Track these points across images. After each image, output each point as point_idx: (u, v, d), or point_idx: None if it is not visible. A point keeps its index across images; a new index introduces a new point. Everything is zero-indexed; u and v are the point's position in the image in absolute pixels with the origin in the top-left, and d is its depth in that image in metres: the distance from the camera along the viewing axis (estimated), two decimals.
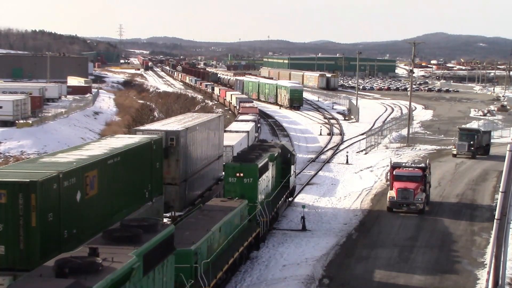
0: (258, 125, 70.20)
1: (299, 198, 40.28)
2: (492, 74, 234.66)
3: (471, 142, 55.21)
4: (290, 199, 38.67)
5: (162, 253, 17.13)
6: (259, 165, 30.19)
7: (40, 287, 12.82)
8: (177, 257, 18.76)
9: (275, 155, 34.11)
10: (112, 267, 14.01)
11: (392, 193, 36.25)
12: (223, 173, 37.87)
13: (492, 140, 70.29)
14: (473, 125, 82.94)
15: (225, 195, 29.39)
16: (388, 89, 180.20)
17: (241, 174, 29.44)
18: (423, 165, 38.40)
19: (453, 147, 56.99)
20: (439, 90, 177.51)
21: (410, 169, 37.59)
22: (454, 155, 55.63)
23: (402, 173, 36.82)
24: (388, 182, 38.95)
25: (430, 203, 38.13)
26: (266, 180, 32.04)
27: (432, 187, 42.81)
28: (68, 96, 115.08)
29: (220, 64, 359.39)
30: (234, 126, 57.44)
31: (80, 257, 14.07)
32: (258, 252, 28.78)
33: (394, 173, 36.97)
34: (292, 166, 38.04)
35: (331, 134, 74.24)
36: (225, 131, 47.40)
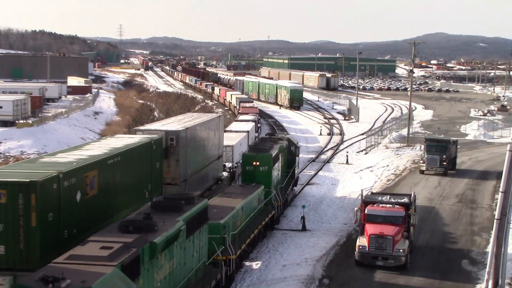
0: (258, 125, 70.20)
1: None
2: (492, 74, 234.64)
3: (444, 156, 46.65)
4: (295, 188, 41.86)
5: (199, 222, 20.71)
6: (273, 155, 33.64)
7: (115, 239, 16.04)
8: (209, 229, 22.32)
9: (284, 146, 37.79)
10: (165, 228, 17.44)
11: (362, 241, 26.31)
12: (224, 172, 38.58)
13: (491, 140, 70.50)
14: (473, 125, 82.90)
15: (243, 182, 32.91)
16: (388, 89, 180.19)
17: (257, 163, 32.81)
18: (405, 200, 28.22)
19: (421, 161, 47.89)
20: (439, 90, 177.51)
21: (388, 206, 27.45)
22: (422, 172, 47.04)
23: (377, 212, 27.08)
24: (359, 224, 28.16)
25: (430, 207, 38.02)
26: (277, 168, 35.30)
27: (432, 187, 42.70)
28: (68, 96, 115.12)
29: (220, 64, 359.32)
30: (234, 126, 57.43)
31: (139, 220, 17.55)
32: (257, 253, 28.82)
33: (366, 211, 27.25)
34: (297, 158, 41.52)
35: (331, 134, 74.25)
36: (225, 131, 47.40)
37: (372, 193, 30.95)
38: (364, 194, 28.34)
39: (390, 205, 27.56)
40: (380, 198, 28.61)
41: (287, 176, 38.49)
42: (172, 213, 19.04)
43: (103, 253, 14.79)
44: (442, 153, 46.67)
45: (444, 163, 46.37)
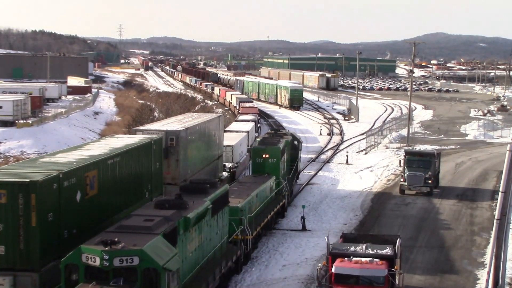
0: (258, 125, 70.20)
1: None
2: (492, 74, 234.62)
3: (428, 173, 40.16)
4: (297, 180, 44.12)
5: (222, 204, 23.28)
6: (281, 148, 36.03)
7: (155, 213, 18.66)
8: (229, 211, 24.80)
9: (289, 141, 40.20)
10: (195, 206, 20.10)
11: None
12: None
13: (491, 140, 70.43)
14: (473, 125, 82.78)
15: (253, 173, 35.45)
16: (388, 89, 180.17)
17: (267, 156, 35.07)
18: (388, 251, 20.70)
19: (402, 179, 40.94)
20: (439, 90, 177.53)
21: (364, 261, 19.76)
22: (402, 192, 40.43)
23: (350, 271, 19.76)
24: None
25: (431, 201, 37.95)
26: (284, 161, 37.44)
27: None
28: (68, 96, 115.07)
29: (220, 64, 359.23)
30: (234, 126, 57.42)
31: (173, 199, 20.22)
32: (258, 252, 28.82)
33: (334, 269, 20.01)
34: (299, 152, 44.11)
35: (331, 134, 74.23)
36: (225, 131, 47.41)
37: (343, 235, 23.37)
38: (330, 242, 21.26)
39: (367, 260, 19.77)
40: (353, 248, 20.73)
41: (292, 169, 40.66)
42: (199, 195, 21.65)
43: (147, 224, 17.39)
44: (426, 169, 40.19)
45: (429, 181, 39.99)
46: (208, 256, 21.62)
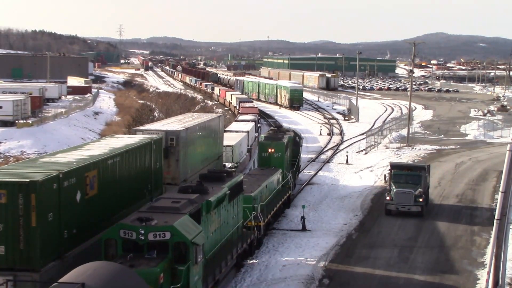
0: (258, 125, 70.19)
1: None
2: (492, 74, 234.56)
3: (419, 189, 34.87)
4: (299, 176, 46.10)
5: (236, 191, 25.59)
6: (285, 143, 38.33)
7: (181, 197, 20.79)
8: (243, 200, 27.00)
9: (292, 136, 42.73)
10: (215, 192, 22.42)
11: None
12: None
13: (491, 140, 70.36)
14: (473, 125, 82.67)
15: (259, 166, 37.74)
16: (388, 89, 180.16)
17: (272, 150, 37.28)
18: None
19: (388, 198, 35.19)
20: (439, 90, 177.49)
21: None
22: (389, 212, 35.04)
23: None
24: None
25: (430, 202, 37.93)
26: (287, 156, 39.50)
27: (432, 187, 42.56)
28: (68, 96, 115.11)
29: (220, 64, 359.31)
30: (234, 126, 57.43)
31: (195, 185, 22.46)
32: (258, 253, 28.83)
33: None
34: (300, 148, 46.14)
35: (331, 134, 74.23)
36: (225, 131, 47.42)
37: None
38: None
39: None
40: None
41: (294, 163, 42.81)
42: (217, 182, 23.93)
43: (175, 205, 19.51)
44: (416, 185, 35.01)
45: (420, 199, 34.71)
46: (226, 237, 23.84)
